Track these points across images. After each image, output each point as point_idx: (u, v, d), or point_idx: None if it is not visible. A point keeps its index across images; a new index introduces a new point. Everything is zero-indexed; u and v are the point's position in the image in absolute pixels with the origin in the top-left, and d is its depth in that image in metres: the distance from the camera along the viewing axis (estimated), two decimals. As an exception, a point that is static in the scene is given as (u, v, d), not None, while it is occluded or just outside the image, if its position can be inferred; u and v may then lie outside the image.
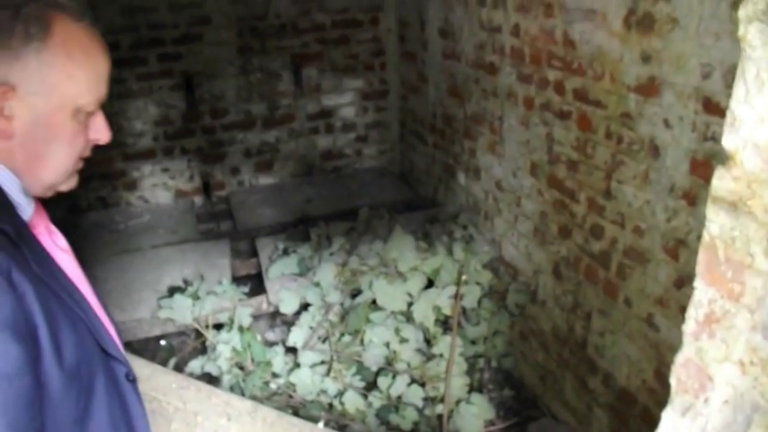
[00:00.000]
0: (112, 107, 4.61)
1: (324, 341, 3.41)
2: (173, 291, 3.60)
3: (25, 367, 0.95)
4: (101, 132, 1.17)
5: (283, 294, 3.51)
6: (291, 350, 3.44)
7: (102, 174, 4.76)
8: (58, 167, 1.13)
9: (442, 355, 3.25)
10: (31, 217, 1.15)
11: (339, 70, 4.99)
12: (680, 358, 1.03)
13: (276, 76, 4.92)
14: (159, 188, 4.96)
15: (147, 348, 3.60)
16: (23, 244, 1.03)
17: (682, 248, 2.26)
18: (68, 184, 1.18)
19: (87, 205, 4.83)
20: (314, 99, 5.03)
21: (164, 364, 3.39)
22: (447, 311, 3.34)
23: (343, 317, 3.44)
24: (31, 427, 0.96)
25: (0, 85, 1.02)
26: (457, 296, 3.35)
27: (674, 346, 2.30)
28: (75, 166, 1.16)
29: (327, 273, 3.54)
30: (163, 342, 3.62)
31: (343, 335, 3.40)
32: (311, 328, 3.42)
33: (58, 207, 4.71)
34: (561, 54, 2.80)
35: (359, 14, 4.89)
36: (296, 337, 3.39)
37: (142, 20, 4.53)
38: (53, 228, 1.25)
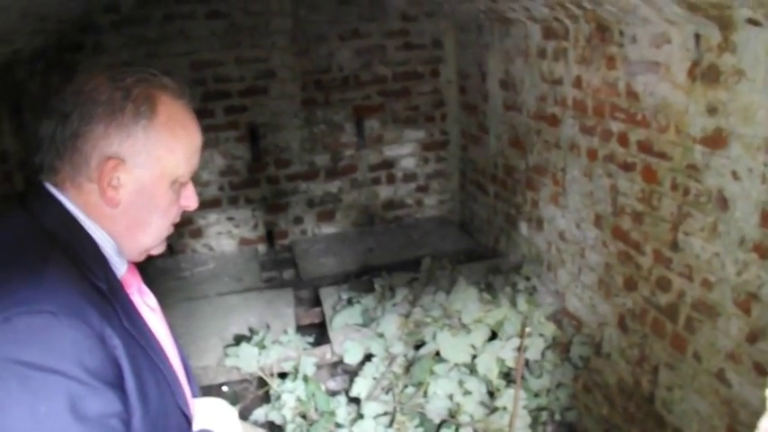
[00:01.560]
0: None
1: (387, 392, 3.41)
2: (239, 339, 3.65)
3: (112, 413, 1.02)
4: (191, 200, 1.28)
5: (348, 345, 3.53)
6: (354, 400, 3.44)
7: (169, 222, 4.89)
8: (154, 233, 1.22)
9: (505, 408, 3.21)
10: (124, 276, 1.23)
11: (400, 121, 5.08)
12: (765, 424, 1.00)
13: (339, 128, 5.03)
14: (224, 236, 5.08)
15: (209, 394, 3.63)
16: (116, 300, 1.11)
17: (754, 302, 2.21)
18: (159, 249, 1.28)
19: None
20: (376, 150, 5.12)
21: (230, 410, 3.44)
22: (510, 364, 3.31)
23: (407, 368, 3.44)
24: None
25: (112, 159, 1.12)
26: (520, 348, 3.32)
27: (748, 403, 2.25)
28: (168, 231, 1.25)
29: (391, 324, 3.55)
30: (225, 389, 3.66)
31: (406, 386, 3.39)
32: (375, 378, 3.42)
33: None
34: (624, 106, 2.81)
35: (419, 67, 4.98)
36: (360, 387, 3.40)
37: (210, 73, 4.71)
38: (144, 288, 1.34)
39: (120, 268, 1.22)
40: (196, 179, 4.31)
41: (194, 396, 1.46)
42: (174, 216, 1.25)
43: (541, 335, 3.40)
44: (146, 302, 1.32)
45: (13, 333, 0.96)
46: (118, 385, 1.04)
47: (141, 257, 1.27)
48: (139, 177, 1.16)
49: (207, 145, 4.67)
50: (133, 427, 1.07)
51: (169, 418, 1.20)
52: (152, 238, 1.23)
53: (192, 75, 4.67)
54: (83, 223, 1.16)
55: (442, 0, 4.29)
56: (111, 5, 4.41)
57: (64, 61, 4.39)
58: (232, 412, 1.44)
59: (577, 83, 3.16)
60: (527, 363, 3.37)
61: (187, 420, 1.29)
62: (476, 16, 4.17)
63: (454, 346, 3.34)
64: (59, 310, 0.99)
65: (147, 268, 4.75)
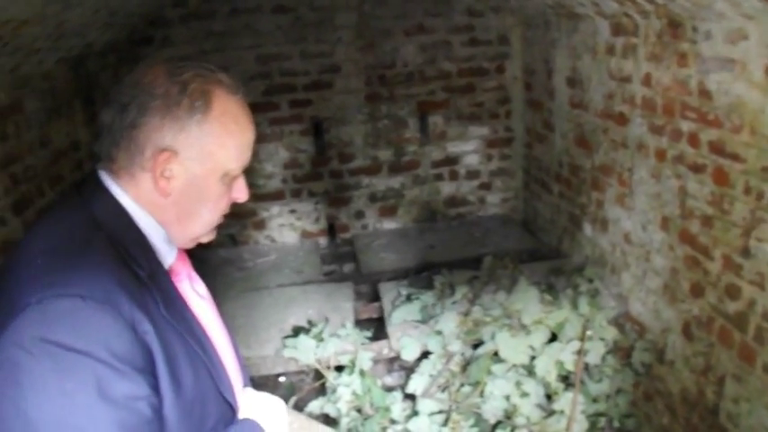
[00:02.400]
0: (246, 150, 4.84)
1: (443, 390, 3.39)
2: (297, 331, 3.68)
3: (139, 396, 1.05)
4: (241, 193, 1.31)
5: (405, 341, 3.52)
6: (410, 397, 3.43)
7: (232, 212, 4.92)
8: (203, 223, 1.26)
9: (562, 412, 3.16)
10: (173, 264, 1.27)
11: (464, 118, 5.03)
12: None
13: (403, 123, 5.02)
14: (286, 228, 5.14)
15: (266, 384, 3.68)
16: (155, 286, 1.15)
17: (830, 315, 2.10)
18: (209, 237, 1.31)
19: (217, 242, 5.05)
20: (439, 146, 5.09)
21: (286, 400, 3.48)
22: (570, 367, 3.24)
23: (464, 367, 3.41)
24: None
25: (165, 150, 1.15)
26: (580, 352, 3.25)
27: (822, 421, 2.14)
28: (217, 222, 1.28)
29: (450, 322, 3.52)
30: (282, 379, 3.69)
31: (462, 385, 3.36)
32: (431, 376, 3.41)
33: (190, 244, 4.96)
34: (696, 105, 2.70)
35: (485, 63, 4.92)
36: (416, 384, 3.39)
37: (275, 67, 4.77)
38: (195, 275, 1.38)
39: (169, 256, 1.26)
40: (250, 172, 4.38)
41: (245, 385, 1.48)
42: (224, 208, 1.28)
43: (602, 339, 3.32)
44: (195, 290, 1.35)
45: (44, 314, 1.01)
46: (147, 370, 1.07)
47: (191, 245, 1.31)
48: (191, 170, 1.19)
49: (271, 138, 4.77)
50: (165, 411, 1.10)
51: (207, 404, 1.22)
52: (201, 228, 1.27)
53: (258, 68, 4.74)
54: (132, 212, 1.20)
55: (509, -5, 4.23)
56: (179, 0, 4.50)
57: (134, 54, 4.51)
58: (280, 405, 1.45)
59: (647, 80, 3.06)
60: (587, 367, 3.30)
61: (232, 408, 1.31)
62: (543, 11, 4.09)
63: (513, 347, 3.30)
64: (89, 294, 1.03)
65: (211, 258, 4.86)
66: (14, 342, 1.00)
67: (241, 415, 1.35)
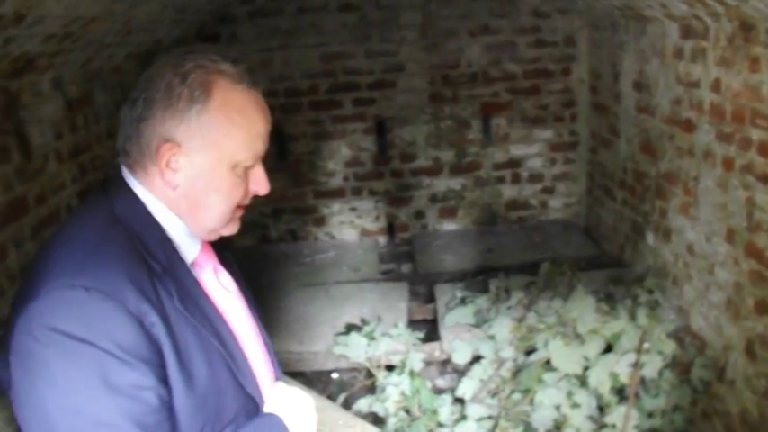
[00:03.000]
0: (308, 146, 4.90)
1: (493, 396, 3.34)
2: (350, 328, 3.69)
3: (145, 386, 1.06)
4: (260, 185, 1.28)
5: (457, 344, 3.49)
6: (459, 400, 3.39)
7: (294, 208, 5.07)
8: (216, 215, 1.24)
9: (614, 426, 3.06)
10: (197, 257, 1.27)
11: (528, 120, 4.95)
12: None
13: (465, 125, 4.98)
14: (346, 226, 5.17)
15: (319, 380, 3.72)
16: (171, 279, 1.15)
17: None
18: (229, 230, 1.29)
19: (278, 237, 5.14)
20: (502, 148, 5.02)
21: (333, 397, 3.50)
22: (624, 379, 3.15)
23: (515, 373, 3.35)
24: None
25: (167, 142, 1.16)
26: (636, 364, 3.15)
27: None
28: (233, 214, 1.26)
29: (503, 327, 3.47)
30: (335, 375, 3.71)
31: (513, 392, 3.31)
32: (482, 380, 3.36)
33: (251, 237, 5.06)
34: (767, 112, 2.59)
35: (550, 65, 4.84)
36: (465, 388, 3.35)
37: (339, 65, 4.81)
38: (221, 269, 1.37)
39: (192, 249, 1.27)
40: (312, 169, 4.44)
41: (277, 380, 1.47)
42: (239, 199, 1.25)
43: (660, 352, 3.21)
44: (221, 283, 1.35)
45: (52, 304, 1.04)
46: (155, 361, 1.08)
47: (212, 237, 1.30)
48: (196, 161, 1.18)
49: (334, 136, 4.80)
50: (175, 402, 1.12)
51: (225, 397, 1.21)
52: (215, 221, 1.25)
53: (322, 66, 4.78)
54: (151, 206, 1.21)
55: (577, -4, 4.14)
56: (247, -3, 4.59)
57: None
58: (309, 401, 1.43)
59: (716, 86, 2.95)
60: (642, 380, 3.20)
61: (255, 402, 1.30)
62: (611, 13, 3.99)
63: (566, 356, 3.23)
64: (94, 286, 1.05)
65: (271, 252, 4.93)
66: (26, 330, 1.05)
67: (266, 409, 1.34)
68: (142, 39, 3.54)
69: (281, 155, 4.94)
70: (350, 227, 5.17)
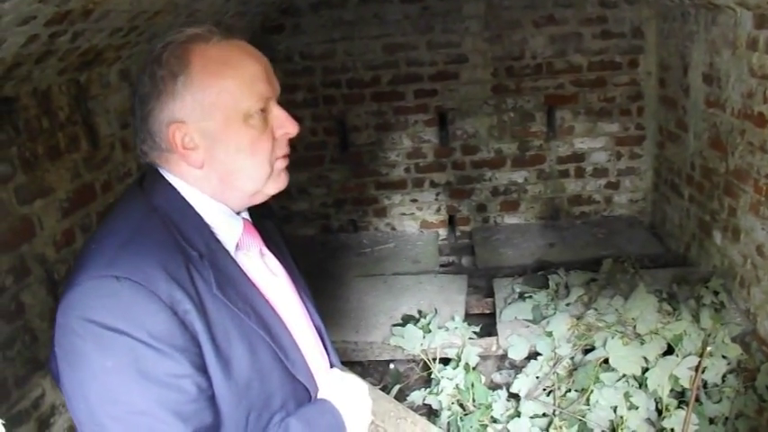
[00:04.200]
0: (370, 137, 4.91)
1: (548, 394, 3.28)
2: (407, 320, 3.69)
3: (181, 374, 1.07)
4: (286, 125, 1.25)
5: (514, 339, 3.45)
6: (514, 396, 3.35)
7: (355, 199, 5.10)
8: (252, 174, 1.23)
9: (673, 430, 2.97)
10: (240, 240, 1.27)
11: (593, 113, 4.83)
12: None
13: (529, 117, 4.89)
14: (407, 217, 5.17)
15: (376, 370, 3.74)
16: (210, 265, 1.15)
17: None
18: (276, 186, 1.28)
19: (339, 227, 5.18)
20: (566, 141, 4.92)
21: (388, 387, 3.53)
22: (685, 383, 3.04)
23: (572, 372, 3.29)
24: (190, 425, 1.07)
25: (173, 124, 1.16)
26: (698, 368, 3.04)
27: None
28: (271, 166, 1.24)
29: (561, 324, 3.41)
30: (392, 366, 3.72)
31: (569, 390, 3.25)
32: (537, 377, 3.32)
33: (312, 226, 5.12)
34: (844, 108, 2.45)
35: (617, 56, 4.70)
36: (520, 384, 3.31)
37: (402, 57, 4.79)
38: (266, 251, 1.36)
39: (234, 232, 1.26)
40: (374, 160, 4.46)
41: (332, 366, 1.46)
42: (269, 148, 1.22)
43: (724, 357, 3.09)
44: (268, 266, 1.34)
45: (84, 295, 1.07)
46: (190, 349, 1.09)
47: (256, 201, 1.29)
48: (206, 130, 1.17)
49: (396, 127, 4.81)
50: (216, 391, 1.12)
51: (270, 384, 1.21)
52: (253, 181, 1.24)
53: (385, 57, 4.77)
54: (187, 194, 1.22)
55: (645, -15, 4.00)
56: (310, -12, 4.61)
57: (266, 42, 4.67)
58: (363, 388, 1.41)
59: (791, 79, 2.80)
60: (704, 385, 3.09)
61: (307, 389, 1.29)
62: (681, 2, 3.83)
63: (625, 356, 3.14)
64: (124, 274, 1.06)
65: (331, 241, 4.98)
66: (63, 323, 1.08)
67: (320, 396, 1.33)
68: (207, 30, 3.60)
69: (342, 146, 4.97)
70: (410, 218, 5.17)
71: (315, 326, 1.43)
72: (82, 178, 2.68)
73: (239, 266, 1.24)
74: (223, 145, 1.18)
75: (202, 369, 1.10)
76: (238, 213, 1.30)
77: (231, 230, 1.25)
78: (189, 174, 1.21)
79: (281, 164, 1.26)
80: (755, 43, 3.10)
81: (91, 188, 2.75)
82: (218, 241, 1.22)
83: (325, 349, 1.46)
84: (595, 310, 3.48)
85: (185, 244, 1.15)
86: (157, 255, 1.10)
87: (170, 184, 1.22)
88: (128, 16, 2.54)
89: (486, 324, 3.80)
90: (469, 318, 3.83)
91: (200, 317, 1.10)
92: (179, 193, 1.21)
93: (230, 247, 1.24)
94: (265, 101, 1.21)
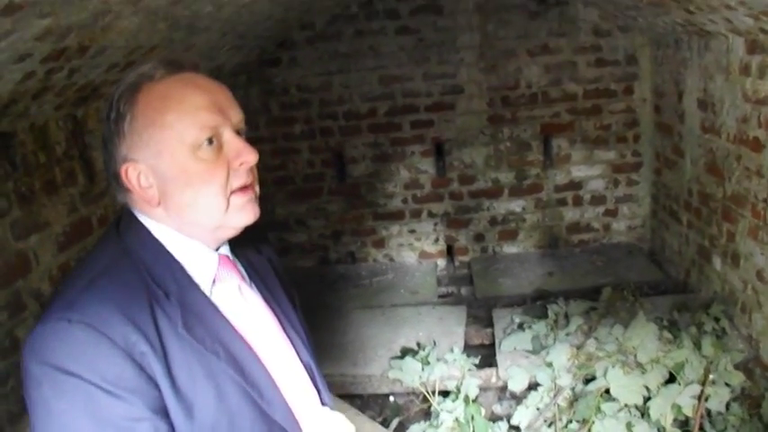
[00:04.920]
0: (367, 169, 4.92)
1: (549, 425, 3.24)
2: (405, 352, 3.66)
3: (137, 417, 1.05)
4: (243, 154, 1.19)
5: (513, 371, 3.41)
6: (515, 428, 3.31)
7: (353, 230, 5.10)
8: (205, 208, 1.19)
9: (678, 461, 2.93)
10: (216, 275, 1.25)
11: (590, 141, 4.85)
12: None
13: (525, 146, 4.91)
14: (405, 248, 5.16)
15: (375, 403, 3.69)
16: (177, 305, 1.14)
17: None
18: (241, 218, 1.22)
19: (337, 258, 5.17)
20: (563, 170, 4.94)
21: (388, 420, 3.49)
22: (688, 412, 3.00)
23: (573, 402, 3.25)
24: None
25: (125, 164, 1.16)
26: (701, 396, 3.00)
27: None
28: (227, 198, 1.19)
29: (561, 354, 3.38)
30: (391, 399, 3.68)
31: (570, 421, 3.20)
32: (538, 409, 3.27)
33: (311, 258, 5.10)
34: (839, 132, 2.45)
35: (612, 84, 4.74)
36: (521, 416, 3.26)
37: (398, 88, 4.83)
38: (244, 286, 1.31)
39: (209, 268, 1.24)
40: (371, 191, 4.47)
41: (323, 404, 1.41)
42: (223, 180, 1.18)
43: (728, 384, 3.06)
44: (246, 301, 1.30)
45: (42, 338, 1.06)
46: (147, 392, 1.07)
47: (224, 236, 1.25)
48: (156, 167, 1.15)
49: (393, 158, 4.83)
50: (180, 428, 1.10)
51: (239, 426, 1.17)
52: (208, 215, 1.19)
53: (381, 89, 4.81)
54: (157, 233, 1.21)
55: (637, 13, 4.02)
56: (306, 23, 4.66)
57: (263, 75, 4.71)
58: (350, 429, 1.38)
59: (785, 103, 2.82)
60: (708, 413, 3.05)
61: (284, 430, 1.25)
62: (673, 30, 3.87)
63: (626, 385, 3.11)
64: (78, 317, 1.05)
65: (328, 273, 4.95)
66: (24, 364, 1.07)
67: None
68: (204, 65, 3.62)
69: (340, 177, 4.98)
70: (409, 249, 5.16)
71: (303, 362, 1.38)
72: (78, 212, 2.69)
73: (212, 303, 1.21)
74: (173, 180, 1.16)
75: (162, 411, 1.08)
76: (217, 249, 1.28)
77: (205, 266, 1.23)
78: (153, 212, 1.20)
79: (243, 196, 1.21)
80: (748, 68, 3.12)
81: (87, 222, 2.76)
82: (190, 278, 1.20)
83: (316, 386, 1.41)
84: (595, 339, 3.45)
85: (154, 284, 1.14)
86: (118, 297, 1.09)
87: (142, 224, 1.21)
88: (124, 52, 2.55)
89: (486, 355, 3.76)
90: (469, 349, 3.80)
91: (158, 358, 1.08)
92: (150, 232, 1.20)
93: (205, 283, 1.22)
94: (212, 130, 1.16)
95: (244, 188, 1.20)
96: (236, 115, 1.20)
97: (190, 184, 1.16)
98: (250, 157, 1.19)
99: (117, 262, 1.16)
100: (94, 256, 1.21)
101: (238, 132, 1.21)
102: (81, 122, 2.75)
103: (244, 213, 1.21)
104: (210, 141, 1.16)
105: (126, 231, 1.21)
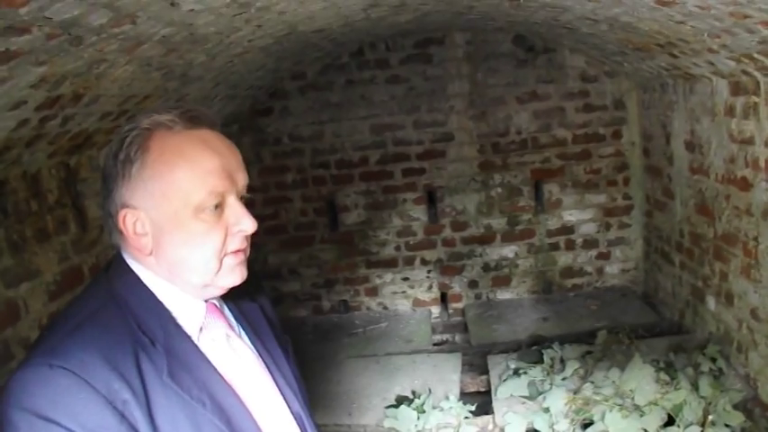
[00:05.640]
0: (360, 217, 4.93)
1: (549, 472, 3.19)
2: (400, 401, 3.62)
3: None
4: (242, 222, 1.20)
5: (510, 417, 3.36)
6: (515, 477, 3.25)
7: (346, 278, 5.08)
8: (198, 268, 1.18)
9: (680, 504, 2.87)
10: (204, 323, 1.23)
11: (580, 185, 4.89)
12: None
13: (516, 192, 4.94)
14: (398, 296, 5.14)
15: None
16: (164, 353, 1.12)
17: None
18: (229, 280, 1.22)
19: (330, 307, 5.14)
20: (554, 215, 4.96)
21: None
22: (689, 454, 2.97)
23: (572, 448, 3.20)
24: None
25: (123, 209, 1.15)
26: (701, 438, 2.97)
27: None
28: (220, 261, 1.19)
29: (558, 399, 3.34)
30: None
31: (570, 467, 3.16)
32: (537, 456, 3.23)
33: (304, 308, 5.08)
34: (825, 168, 2.48)
35: (601, 128, 4.80)
36: (519, 463, 3.22)
37: (389, 136, 4.88)
38: (232, 334, 1.30)
39: (196, 317, 1.23)
40: (363, 239, 4.47)
41: None
42: (219, 244, 1.18)
43: (727, 425, 3.02)
44: (234, 350, 1.29)
45: (22, 383, 1.04)
46: None
47: (209, 294, 1.25)
48: (155, 218, 1.15)
49: (385, 206, 4.84)
50: None
51: None
52: (198, 275, 1.19)
53: (373, 138, 4.86)
54: (147, 281, 1.19)
55: (623, 59, 4.10)
56: (297, 73, 4.72)
57: (255, 124, 4.76)
58: None
59: (771, 142, 2.86)
60: (709, 455, 3.01)
61: None
62: (658, 74, 3.94)
63: (625, 429, 3.07)
64: (59, 363, 1.03)
65: (322, 323, 4.92)
66: (2, 408, 1.04)
67: None
68: (197, 115, 3.65)
69: (332, 226, 4.99)
70: (402, 297, 5.14)
71: (293, 412, 1.35)
72: (70, 261, 2.67)
73: (200, 351, 1.20)
74: (169, 236, 1.16)
75: None
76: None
77: (193, 314, 1.22)
78: (143, 259, 1.19)
79: (235, 259, 1.21)
80: (733, 110, 3.17)
81: (79, 271, 2.73)
82: (177, 326, 1.19)
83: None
84: (592, 383, 3.42)
85: (140, 331, 1.12)
86: (102, 343, 1.08)
87: (131, 269, 1.20)
88: (117, 100, 2.58)
89: (482, 402, 3.72)
90: (465, 396, 3.76)
91: (141, 407, 1.06)
92: (140, 279, 1.19)
93: (192, 331, 1.21)
94: (220, 196, 1.17)
95: (237, 251, 1.21)
96: (242, 180, 1.21)
97: (186, 242, 1.16)
98: (249, 226, 1.20)
99: (103, 307, 1.14)
100: (81, 300, 1.20)
101: (242, 197, 1.22)
102: (74, 171, 2.75)
103: (233, 275, 1.22)
104: (216, 206, 1.17)
105: (115, 276, 1.20)
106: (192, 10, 2.17)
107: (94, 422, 1.02)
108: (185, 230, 1.16)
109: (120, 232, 1.18)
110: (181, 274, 1.19)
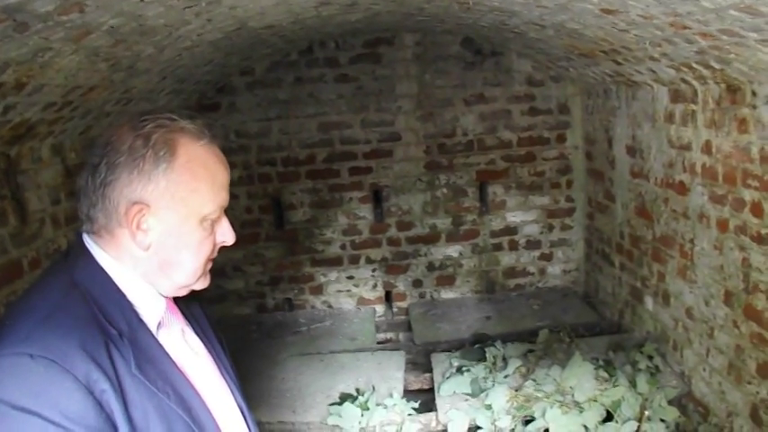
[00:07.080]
0: (305, 215, 4.91)
1: (491, 468, 3.23)
2: (344, 398, 3.61)
3: None
4: (226, 235, 1.29)
5: (453, 414, 3.39)
6: (456, 473, 3.28)
7: (291, 277, 5.04)
8: (187, 271, 1.24)
9: (618, 498, 2.95)
10: (162, 319, 1.26)
11: (524, 187, 4.97)
12: None
13: (462, 192, 4.99)
14: (343, 294, 5.13)
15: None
16: (130, 345, 1.13)
17: None
18: (201, 284, 1.29)
19: (275, 305, 5.09)
20: (499, 215, 5.02)
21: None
22: (626, 449, 3.05)
23: (513, 444, 3.25)
24: None
25: (137, 204, 1.15)
26: (638, 433, 3.05)
27: None
28: (204, 267, 1.26)
29: (500, 396, 3.39)
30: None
31: (512, 463, 3.20)
32: (479, 452, 3.26)
33: (248, 306, 5.02)
34: (758, 173, 2.58)
35: (545, 132, 4.89)
36: (462, 460, 3.25)
37: (336, 135, 4.86)
38: (188, 330, 1.35)
39: (156, 311, 1.25)
40: (309, 237, 4.43)
41: None
42: (208, 252, 1.27)
43: (663, 420, 3.11)
44: (189, 345, 1.33)
45: None
46: (104, 430, 1.05)
47: (181, 293, 1.30)
48: (166, 219, 1.19)
49: (331, 204, 4.81)
50: None
51: None
52: (186, 276, 1.25)
53: (320, 136, 4.84)
54: (112, 271, 1.20)
55: (568, 64, 4.19)
56: (246, 69, 4.67)
57: (202, 120, 4.65)
58: None
59: (707, 148, 2.96)
60: (645, 450, 3.09)
61: None
62: (602, 80, 4.04)
63: (564, 425, 3.13)
64: (40, 353, 1.03)
65: (266, 321, 4.87)
66: None
67: None
68: (142, 107, 3.58)
69: (278, 223, 4.95)
70: (347, 295, 5.13)
71: (237, 404, 1.42)
72: (8, 255, 2.58)
73: (161, 345, 1.23)
74: (175, 238, 1.21)
75: None
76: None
77: (154, 309, 1.25)
78: (127, 251, 1.21)
79: (209, 265, 1.30)
80: (672, 116, 3.27)
81: (18, 265, 2.65)
82: (140, 319, 1.21)
83: (249, 427, 1.45)
84: (534, 380, 3.47)
85: (105, 321, 1.13)
86: (76, 332, 1.08)
87: (93, 258, 1.21)
88: (62, 91, 2.51)
89: (426, 399, 3.74)
90: (408, 394, 3.77)
91: (117, 397, 1.07)
92: (103, 269, 1.20)
93: (152, 325, 1.23)
94: (221, 210, 1.27)
95: (212, 259, 1.30)
96: (228, 194, 1.29)
97: (189, 246, 1.23)
98: (232, 238, 1.31)
99: (68, 296, 1.14)
100: (42, 289, 1.19)
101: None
102: (14, 162, 2.66)
103: (205, 280, 1.31)
104: (216, 218, 1.26)
105: (74, 265, 1.20)
106: (142, 0, 2.13)
107: (77, 412, 1.02)
108: (190, 236, 1.22)
109: (117, 222, 1.19)
110: (171, 273, 1.24)
